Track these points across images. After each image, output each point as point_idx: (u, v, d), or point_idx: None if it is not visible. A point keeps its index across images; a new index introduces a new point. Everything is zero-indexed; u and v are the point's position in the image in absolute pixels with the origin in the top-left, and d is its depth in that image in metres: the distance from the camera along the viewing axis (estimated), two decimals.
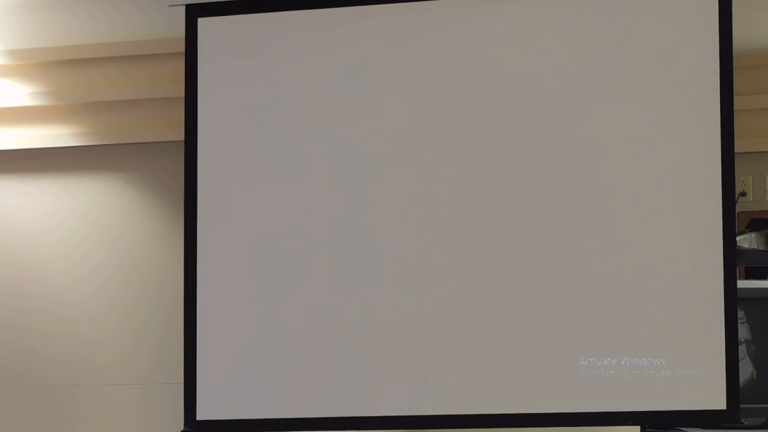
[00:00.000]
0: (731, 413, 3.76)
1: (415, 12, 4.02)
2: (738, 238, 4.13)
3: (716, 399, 3.77)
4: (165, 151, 4.90)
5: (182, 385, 4.09)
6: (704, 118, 3.83)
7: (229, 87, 4.13)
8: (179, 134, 4.25)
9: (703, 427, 3.85)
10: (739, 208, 4.53)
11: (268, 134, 4.10)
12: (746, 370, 3.90)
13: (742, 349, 3.89)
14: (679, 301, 3.81)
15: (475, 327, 3.91)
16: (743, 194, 4.77)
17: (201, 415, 4.07)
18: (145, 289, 4.92)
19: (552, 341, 3.87)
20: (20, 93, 4.93)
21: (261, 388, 4.03)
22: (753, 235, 4.43)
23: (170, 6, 4.20)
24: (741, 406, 3.76)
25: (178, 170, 4.25)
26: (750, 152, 4.76)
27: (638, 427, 3.95)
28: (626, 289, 3.84)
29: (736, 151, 3.83)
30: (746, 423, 3.80)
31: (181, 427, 4.10)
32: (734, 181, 3.83)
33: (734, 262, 3.80)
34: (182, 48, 4.20)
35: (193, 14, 4.17)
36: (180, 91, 4.22)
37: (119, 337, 4.92)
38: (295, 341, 4.02)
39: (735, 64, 3.84)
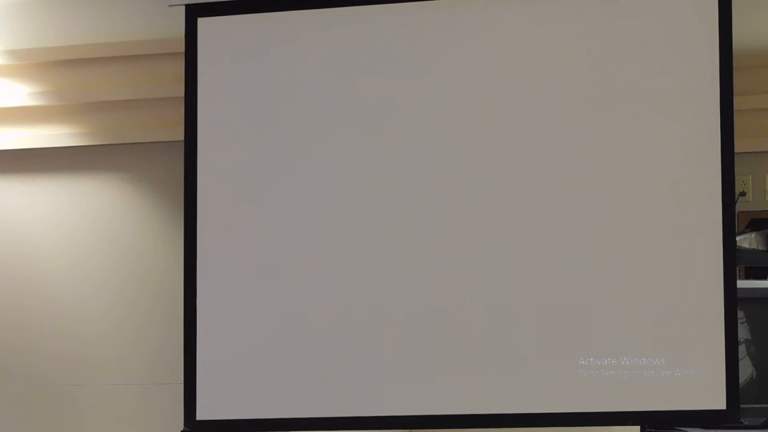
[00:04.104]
0: (731, 413, 3.76)
1: (417, 13, 4.02)
2: (738, 238, 4.13)
3: (716, 399, 3.77)
4: (165, 151, 4.90)
5: (182, 385, 4.09)
6: (704, 118, 3.83)
7: (229, 87, 4.13)
8: (179, 134, 4.25)
9: (703, 427, 3.85)
10: (739, 208, 4.53)
11: (267, 134, 4.09)
12: (746, 370, 3.90)
13: (741, 349, 3.88)
14: (679, 301, 3.81)
15: (475, 327, 3.91)
16: (743, 194, 4.77)
17: (201, 415, 4.07)
18: (144, 289, 4.92)
19: (552, 341, 3.87)
20: (20, 93, 4.93)
21: (261, 388, 4.03)
22: (753, 235, 4.43)
23: (170, 6, 4.20)
24: (741, 406, 3.76)
25: (178, 170, 4.25)
26: (750, 152, 4.76)
27: (638, 427, 3.95)
28: (626, 289, 3.84)
29: (736, 151, 3.83)
30: (746, 423, 3.80)
31: (181, 427, 4.10)
32: (734, 181, 3.83)
33: (734, 262, 3.80)
34: (182, 48, 4.19)
35: (193, 14, 4.17)
36: (180, 91, 4.22)
37: (119, 336, 4.92)
38: (294, 341, 4.02)
39: (735, 64, 3.85)
